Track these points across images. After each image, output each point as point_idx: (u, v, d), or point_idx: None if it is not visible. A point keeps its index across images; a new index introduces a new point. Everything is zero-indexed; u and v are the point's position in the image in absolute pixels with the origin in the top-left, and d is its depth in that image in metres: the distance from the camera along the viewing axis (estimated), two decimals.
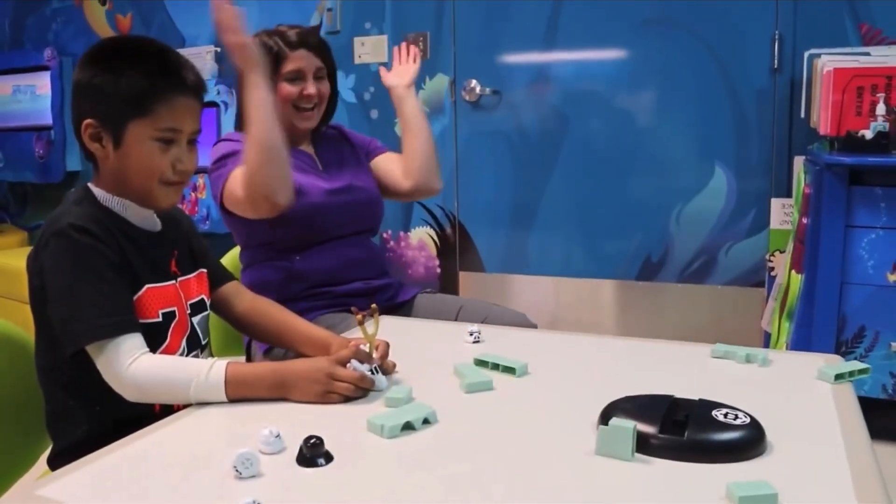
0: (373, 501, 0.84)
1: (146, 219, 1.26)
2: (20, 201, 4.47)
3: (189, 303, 1.29)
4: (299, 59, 1.80)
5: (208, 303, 1.36)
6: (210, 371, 1.12)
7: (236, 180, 1.68)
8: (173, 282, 1.26)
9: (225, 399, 1.12)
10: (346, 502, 0.84)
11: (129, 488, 0.88)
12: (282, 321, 1.40)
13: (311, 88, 1.81)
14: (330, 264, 1.81)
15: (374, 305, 1.25)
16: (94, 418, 1.19)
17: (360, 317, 1.20)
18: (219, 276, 1.42)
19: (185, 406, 1.13)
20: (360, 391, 1.13)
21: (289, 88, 1.80)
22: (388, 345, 1.26)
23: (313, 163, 1.89)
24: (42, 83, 4.06)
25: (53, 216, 1.17)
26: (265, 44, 1.79)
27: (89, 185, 1.24)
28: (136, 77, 1.17)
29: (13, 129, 4.22)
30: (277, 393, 1.13)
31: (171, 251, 1.29)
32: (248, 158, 1.61)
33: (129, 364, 1.11)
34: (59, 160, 4.06)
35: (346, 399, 1.12)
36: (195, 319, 1.30)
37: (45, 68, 4.03)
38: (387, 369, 1.23)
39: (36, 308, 1.19)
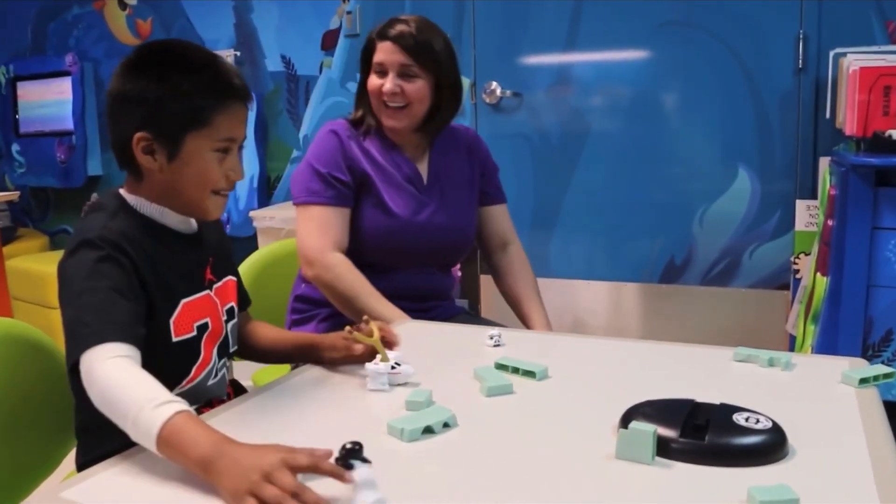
0: None
1: (184, 221, 1.23)
2: (42, 206, 4.52)
3: (224, 308, 1.27)
4: (383, 52, 1.74)
5: (236, 310, 1.33)
6: (152, 411, 0.92)
7: (324, 256, 1.69)
8: (208, 291, 1.24)
9: (155, 451, 0.92)
10: None
11: (154, 492, 0.89)
12: (271, 338, 1.40)
13: (388, 84, 1.73)
14: (387, 291, 1.70)
15: (364, 317, 1.28)
16: (125, 433, 1.12)
17: (350, 330, 1.24)
18: (243, 300, 1.39)
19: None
20: None
21: (374, 80, 1.76)
22: (386, 324, 1.31)
23: (415, 177, 1.81)
24: (64, 89, 4.09)
25: (87, 225, 1.12)
26: (370, 32, 1.80)
27: (122, 193, 1.19)
28: (193, 88, 1.13)
29: (35, 135, 4.27)
30: (201, 472, 0.88)
31: (207, 257, 1.26)
32: (334, 295, 1.69)
33: (102, 363, 0.98)
34: (80, 165, 4.10)
35: None
36: (228, 326, 1.28)
37: (66, 73, 4.07)
38: (391, 341, 1.26)
39: None
